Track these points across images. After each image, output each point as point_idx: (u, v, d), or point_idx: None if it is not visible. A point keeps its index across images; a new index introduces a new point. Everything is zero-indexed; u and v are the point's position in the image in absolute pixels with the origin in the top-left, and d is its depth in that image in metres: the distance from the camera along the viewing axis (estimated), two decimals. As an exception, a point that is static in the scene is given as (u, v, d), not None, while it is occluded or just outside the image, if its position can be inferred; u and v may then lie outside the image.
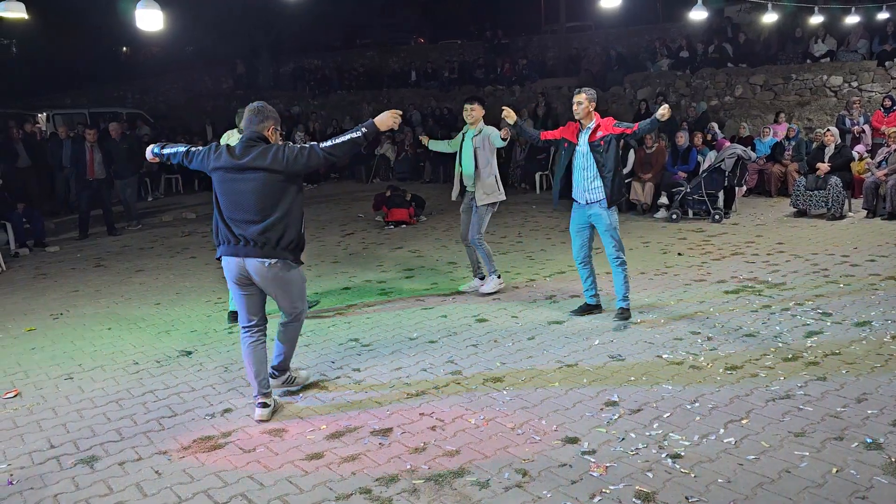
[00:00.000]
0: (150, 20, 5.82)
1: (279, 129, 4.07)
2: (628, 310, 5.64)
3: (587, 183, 5.54)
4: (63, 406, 4.43)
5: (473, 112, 6.37)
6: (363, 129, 3.92)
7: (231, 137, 5.59)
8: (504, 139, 6.16)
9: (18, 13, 6.31)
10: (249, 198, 3.85)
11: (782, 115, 12.79)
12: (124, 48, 31.10)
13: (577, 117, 5.57)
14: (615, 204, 5.57)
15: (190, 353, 5.34)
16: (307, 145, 3.92)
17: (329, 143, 3.91)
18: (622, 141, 5.98)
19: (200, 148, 4.12)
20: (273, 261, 3.90)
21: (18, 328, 6.21)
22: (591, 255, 5.79)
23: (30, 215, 10.06)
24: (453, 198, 6.67)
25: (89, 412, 4.31)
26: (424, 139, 6.82)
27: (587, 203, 5.58)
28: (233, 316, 5.88)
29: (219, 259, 4.05)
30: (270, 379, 4.25)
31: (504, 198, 6.49)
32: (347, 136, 3.91)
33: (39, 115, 17.79)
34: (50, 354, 5.45)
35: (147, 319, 6.32)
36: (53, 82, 25.70)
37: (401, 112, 4.02)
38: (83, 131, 11.38)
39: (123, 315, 6.51)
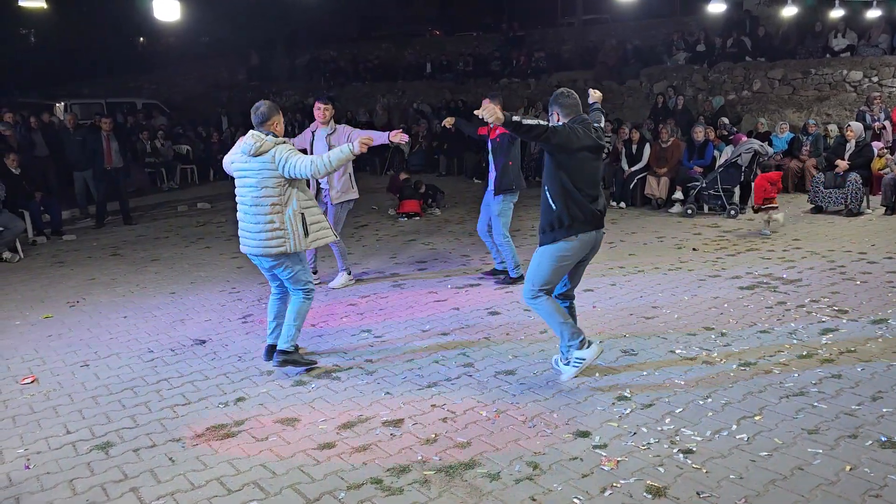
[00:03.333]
0: (167, 10, 5.86)
1: None
2: (513, 277, 6.67)
3: (491, 173, 6.60)
4: (79, 392, 4.48)
5: (328, 112, 6.43)
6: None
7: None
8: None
9: (37, 2, 6.36)
10: (599, 174, 4.32)
11: None
12: (141, 38, 31.26)
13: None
14: (501, 193, 6.50)
15: (204, 341, 5.38)
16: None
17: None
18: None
19: (558, 126, 4.17)
20: (604, 229, 4.37)
21: (36, 315, 6.29)
22: (487, 230, 6.77)
23: (47, 204, 10.15)
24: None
25: (104, 399, 4.36)
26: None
27: (491, 189, 6.61)
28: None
29: (555, 241, 4.18)
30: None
31: (357, 196, 6.71)
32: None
33: (57, 105, 17.94)
34: (66, 342, 5.52)
35: (162, 308, 6.37)
36: (71, 72, 25.89)
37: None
38: (99, 121, 11.45)
39: (139, 303, 6.57)
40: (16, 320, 6.16)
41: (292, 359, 4.61)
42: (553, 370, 4.49)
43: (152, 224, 11.17)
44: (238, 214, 4.53)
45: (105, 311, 6.37)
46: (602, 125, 4.59)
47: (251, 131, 4.40)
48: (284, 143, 4.43)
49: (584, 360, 4.30)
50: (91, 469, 3.49)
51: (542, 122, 4.06)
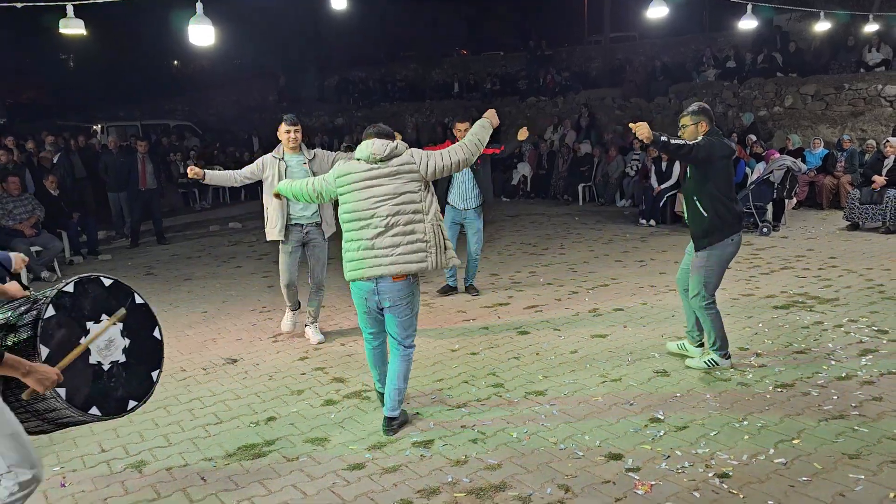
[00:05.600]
0: (202, 35, 5.99)
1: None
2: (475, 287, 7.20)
3: (467, 192, 6.78)
4: (113, 411, 4.54)
5: (298, 134, 5.47)
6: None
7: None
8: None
9: (78, 30, 6.55)
10: (733, 179, 4.84)
11: None
12: (175, 62, 32.01)
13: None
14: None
15: (235, 360, 5.43)
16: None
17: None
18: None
19: (700, 141, 4.55)
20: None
21: (72, 334, 6.39)
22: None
23: (84, 224, 10.38)
24: (277, 236, 5.49)
25: (138, 418, 4.40)
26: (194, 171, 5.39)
27: (465, 209, 6.80)
28: None
29: (712, 245, 4.63)
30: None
31: (334, 229, 5.50)
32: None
33: (94, 128, 18.40)
34: (101, 360, 5.59)
35: (194, 327, 6.45)
36: (108, 95, 26.58)
37: None
38: (135, 143, 11.72)
39: (171, 322, 6.65)
40: (53, 339, 6.27)
41: (401, 420, 4.09)
42: (675, 352, 5.06)
43: (185, 243, 11.34)
44: (352, 235, 3.85)
45: (139, 329, 6.45)
46: None
47: (371, 140, 3.86)
48: None
49: (717, 364, 4.76)
50: (125, 488, 3.53)
51: (687, 143, 4.50)
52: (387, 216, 3.79)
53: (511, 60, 22.92)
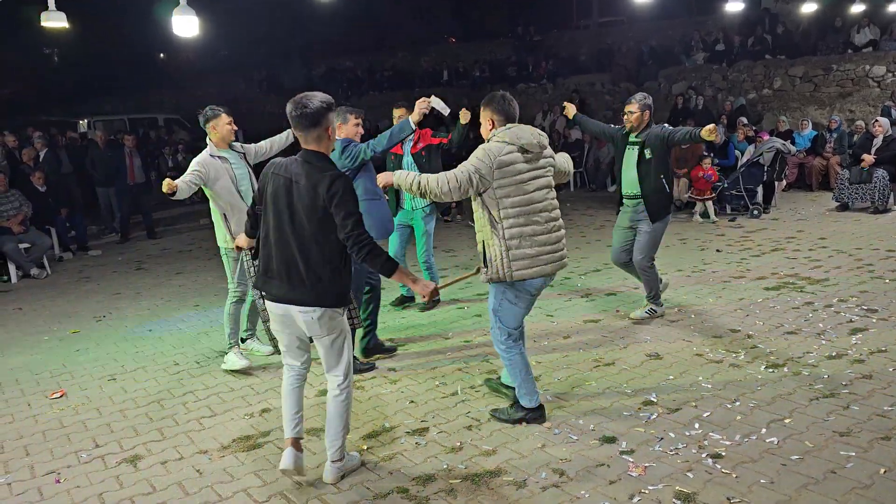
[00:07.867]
0: (186, 26, 5.93)
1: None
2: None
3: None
4: (107, 406, 4.53)
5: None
6: None
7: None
8: None
9: (60, 23, 6.48)
10: None
11: None
12: (161, 54, 31.72)
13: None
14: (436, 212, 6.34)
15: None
16: None
17: None
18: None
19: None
20: None
21: (64, 330, 6.38)
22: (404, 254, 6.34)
23: (73, 220, 10.31)
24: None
25: (132, 412, 4.40)
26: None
27: (413, 209, 6.07)
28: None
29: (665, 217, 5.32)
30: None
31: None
32: None
33: (80, 122, 18.23)
34: (94, 356, 5.58)
35: (187, 321, 6.43)
36: (93, 89, 26.32)
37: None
38: (122, 137, 11.62)
39: (164, 317, 6.63)
40: (44, 335, 6.25)
41: None
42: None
43: (176, 237, 11.29)
44: (520, 231, 3.54)
45: (131, 324, 6.44)
46: None
47: (522, 125, 3.64)
48: None
49: (655, 312, 5.49)
50: (120, 482, 3.52)
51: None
52: (552, 209, 3.67)
53: (500, 47, 22.83)
